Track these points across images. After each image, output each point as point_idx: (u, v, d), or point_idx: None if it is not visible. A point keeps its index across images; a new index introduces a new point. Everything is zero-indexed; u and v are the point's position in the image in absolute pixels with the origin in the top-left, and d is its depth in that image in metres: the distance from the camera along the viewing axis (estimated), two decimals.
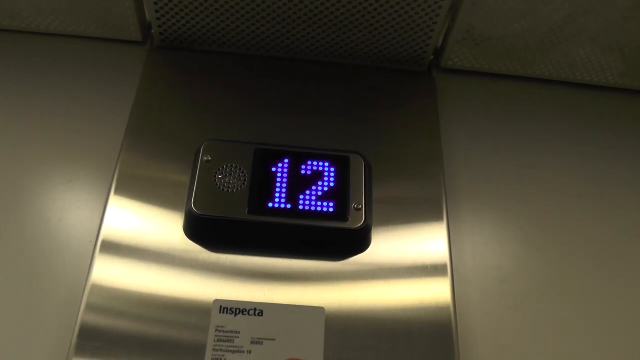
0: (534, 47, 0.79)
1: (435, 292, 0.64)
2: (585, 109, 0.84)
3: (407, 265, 0.65)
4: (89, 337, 0.58)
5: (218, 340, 0.58)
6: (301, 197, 0.65)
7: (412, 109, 0.78)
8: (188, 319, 0.60)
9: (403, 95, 0.79)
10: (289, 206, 0.64)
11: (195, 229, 0.64)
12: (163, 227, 0.65)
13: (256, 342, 0.59)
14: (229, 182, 0.65)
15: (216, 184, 0.65)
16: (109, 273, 0.61)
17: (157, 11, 0.75)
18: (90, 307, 0.59)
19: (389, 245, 0.66)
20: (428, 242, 0.67)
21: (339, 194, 0.66)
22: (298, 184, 0.66)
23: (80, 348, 0.57)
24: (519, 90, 0.84)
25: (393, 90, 0.79)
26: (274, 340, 0.59)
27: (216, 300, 0.61)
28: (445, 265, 0.65)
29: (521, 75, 0.84)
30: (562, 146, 0.80)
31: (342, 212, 0.65)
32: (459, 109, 0.81)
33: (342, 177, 0.67)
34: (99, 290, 0.60)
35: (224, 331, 0.59)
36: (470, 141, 0.78)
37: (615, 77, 0.83)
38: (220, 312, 0.60)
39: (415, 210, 0.69)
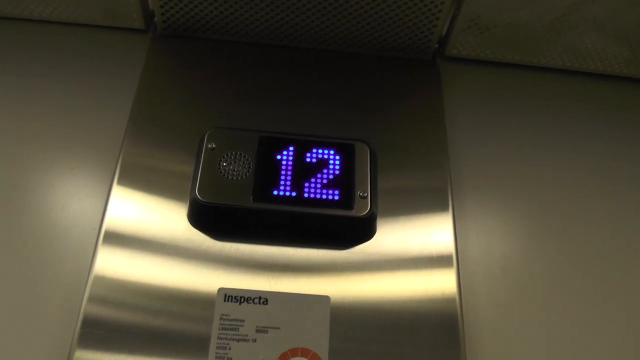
0: (539, 36, 0.79)
1: (441, 282, 0.63)
2: (590, 97, 0.84)
3: (413, 255, 0.65)
4: (92, 326, 0.57)
5: (223, 329, 0.58)
6: (306, 184, 0.65)
7: (416, 98, 0.77)
8: (192, 307, 0.59)
9: (407, 84, 0.79)
10: (294, 194, 0.64)
11: (200, 217, 0.64)
12: (166, 216, 0.64)
13: (261, 330, 0.58)
14: (234, 170, 0.65)
15: (220, 172, 0.64)
16: (112, 263, 0.61)
17: None
18: (93, 297, 0.59)
19: (394, 234, 0.66)
20: (433, 232, 0.66)
21: (344, 181, 0.65)
22: (303, 172, 0.65)
23: (83, 338, 0.57)
24: (523, 79, 0.84)
25: (397, 79, 0.79)
26: (278, 328, 0.59)
27: (220, 289, 0.60)
28: (450, 255, 0.65)
29: (526, 64, 0.83)
30: (567, 135, 0.80)
31: (347, 200, 0.64)
32: (464, 98, 0.80)
33: (347, 165, 0.66)
34: (102, 280, 0.60)
35: (228, 319, 0.59)
36: (475, 130, 0.78)
37: (620, 66, 0.83)
38: (224, 301, 0.59)
39: (420, 200, 0.69)
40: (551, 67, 0.83)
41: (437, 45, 0.81)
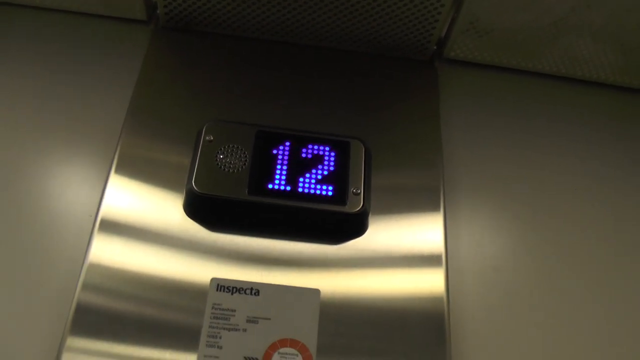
0: (536, 40, 0.80)
1: (430, 281, 0.64)
2: (583, 104, 0.84)
3: (403, 253, 0.66)
4: (85, 314, 0.58)
5: (214, 318, 0.59)
6: (301, 179, 0.65)
7: (413, 98, 0.78)
8: (185, 296, 0.60)
9: (404, 83, 0.79)
10: (288, 188, 0.65)
11: (195, 208, 0.64)
12: (162, 207, 0.65)
13: (251, 320, 0.59)
14: (230, 162, 0.65)
15: (217, 164, 0.65)
16: (107, 251, 0.61)
17: None
18: (87, 285, 0.59)
19: (386, 232, 0.66)
20: (424, 231, 0.67)
21: (338, 178, 0.66)
22: (298, 167, 0.66)
23: (76, 325, 0.57)
24: (519, 83, 0.84)
25: (394, 79, 0.79)
26: (269, 319, 0.59)
27: (213, 279, 0.61)
28: (440, 255, 0.66)
29: (522, 69, 0.84)
30: (560, 140, 0.80)
31: (340, 195, 0.65)
32: (460, 99, 0.81)
33: (342, 162, 0.67)
34: (97, 268, 0.60)
35: (220, 309, 0.59)
36: (470, 131, 0.79)
37: (614, 74, 0.84)
38: (217, 290, 0.60)
39: (412, 199, 0.69)
40: (547, 72, 0.84)
41: (435, 47, 0.81)
